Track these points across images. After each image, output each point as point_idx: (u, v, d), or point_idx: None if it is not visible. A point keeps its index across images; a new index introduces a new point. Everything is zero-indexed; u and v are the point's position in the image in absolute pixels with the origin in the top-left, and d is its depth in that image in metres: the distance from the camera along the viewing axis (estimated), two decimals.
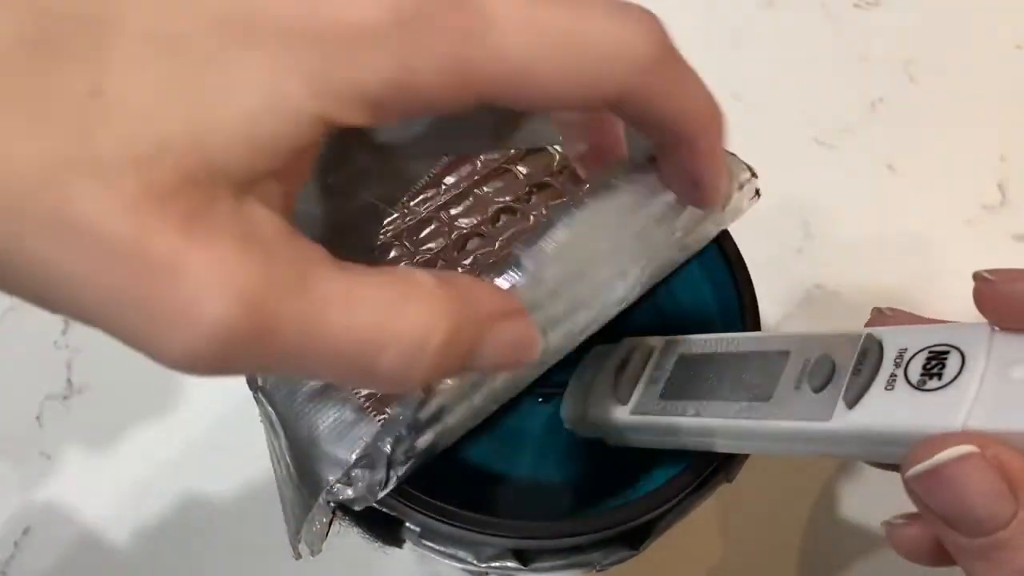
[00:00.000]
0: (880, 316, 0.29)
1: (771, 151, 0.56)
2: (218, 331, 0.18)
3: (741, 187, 0.34)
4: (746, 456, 0.33)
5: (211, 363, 0.19)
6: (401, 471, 0.28)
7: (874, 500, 0.46)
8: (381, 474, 0.28)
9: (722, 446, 0.29)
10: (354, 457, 0.28)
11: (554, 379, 0.32)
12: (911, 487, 0.25)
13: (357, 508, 0.28)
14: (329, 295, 0.20)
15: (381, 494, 0.28)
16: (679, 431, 0.30)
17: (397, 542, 0.31)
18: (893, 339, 0.26)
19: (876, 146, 0.57)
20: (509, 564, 0.31)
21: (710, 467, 0.31)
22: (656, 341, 0.33)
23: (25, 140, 0.18)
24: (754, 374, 0.29)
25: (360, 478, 0.28)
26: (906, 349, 0.25)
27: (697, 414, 0.29)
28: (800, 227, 0.54)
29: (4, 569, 0.43)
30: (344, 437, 0.28)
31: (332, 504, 0.28)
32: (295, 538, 0.30)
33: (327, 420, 0.28)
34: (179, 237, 0.18)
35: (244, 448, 0.45)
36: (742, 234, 0.35)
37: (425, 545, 0.31)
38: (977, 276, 0.26)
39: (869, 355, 0.26)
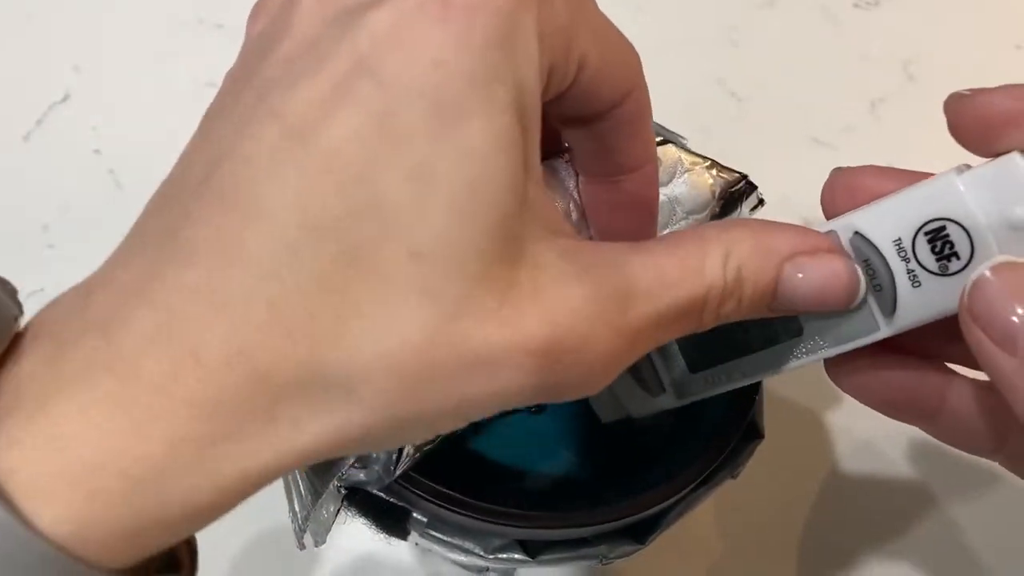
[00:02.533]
0: (839, 175, 0.28)
1: (771, 151, 0.56)
2: (611, 363, 0.22)
3: (744, 197, 0.34)
4: (751, 453, 0.33)
5: (612, 376, 0.23)
6: (412, 447, 0.28)
7: (874, 500, 0.46)
8: (395, 451, 0.28)
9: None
10: None
11: None
12: (965, 319, 0.24)
13: (372, 489, 0.28)
14: (650, 285, 0.23)
15: (397, 472, 0.28)
16: (733, 387, 0.30)
17: (402, 533, 0.31)
18: (878, 232, 0.25)
19: (876, 146, 0.57)
20: (516, 556, 0.31)
21: (715, 463, 0.31)
22: None
23: (396, 325, 0.19)
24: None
25: (376, 459, 0.28)
26: (900, 239, 0.25)
27: (744, 375, 0.29)
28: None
29: None
30: None
31: (343, 490, 0.28)
32: (301, 527, 0.30)
33: None
34: (540, 313, 0.21)
35: None
36: None
37: (431, 536, 0.31)
38: (952, 97, 0.25)
39: (873, 263, 0.25)
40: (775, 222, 0.26)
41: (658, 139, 0.33)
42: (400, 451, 0.28)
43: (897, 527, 0.45)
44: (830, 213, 0.27)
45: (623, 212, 0.29)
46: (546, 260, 0.21)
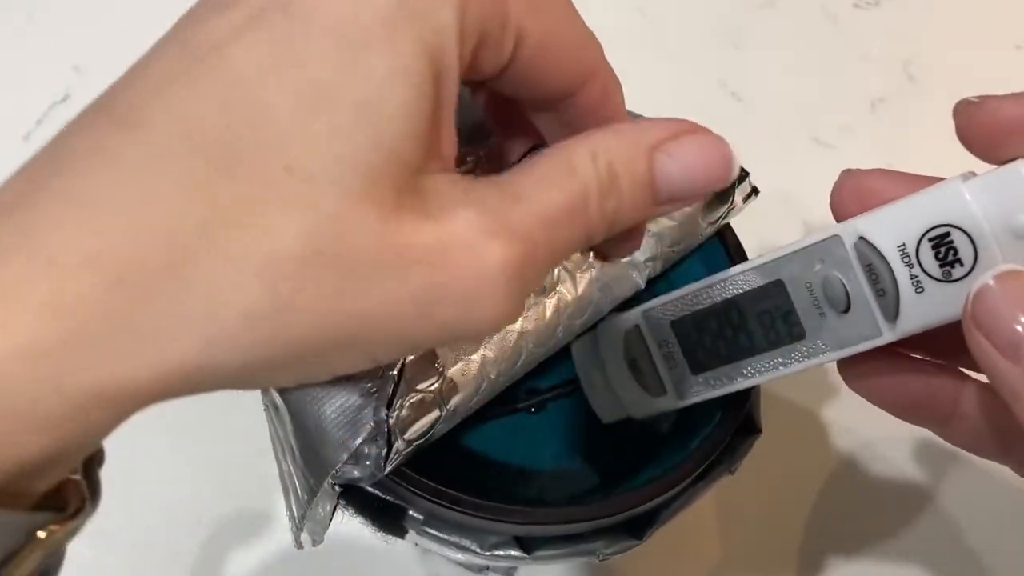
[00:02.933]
0: (848, 178, 0.28)
1: (771, 151, 0.56)
2: (510, 271, 0.21)
3: (742, 190, 0.34)
4: (749, 448, 0.33)
5: (519, 300, 0.22)
6: (403, 442, 0.28)
7: (872, 496, 0.46)
8: (384, 447, 0.28)
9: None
10: (360, 441, 0.28)
11: (541, 387, 0.32)
12: (969, 326, 0.24)
13: (365, 485, 0.28)
14: (531, 191, 0.23)
15: (388, 467, 0.28)
16: (734, 389, 0.30)
17: (399, 531, 0.31)
18: (882, 237, 0.25)
19: (876, 146, 0.57)
20: (512, 552, 0.31)
21: (712, 458, 0.31)
22: (633, 318, 0.32)
23: (271, 235, 0.19)
24: (766, 316, 0.29)
25: (367, 455, 0.28)
26: (904, 244, 0.25)
27: (746, 377, 0.30)
28: (800, 226, 0.54)
29: None
30: (351, 422, 0.28)
31: (338, 488, 0.28)
32: (298, 527, 0.30)
33: (334, 405, 0.28)
34: (428, 229, 0.21)
35: (246, 438, 0.45)
36: (741, 233, 0.35)
37: (428, 533, 0.31)
38: (961, 103, 0.25)
39: (877, 268, 0.26)
40: (641, 120, 0.26)
41: None
42: (389, 447, 0.28)
43: (894, 523, 0.45)
44: (838, 214, 0.27)
45: None
46: (437, 189, 0.21)
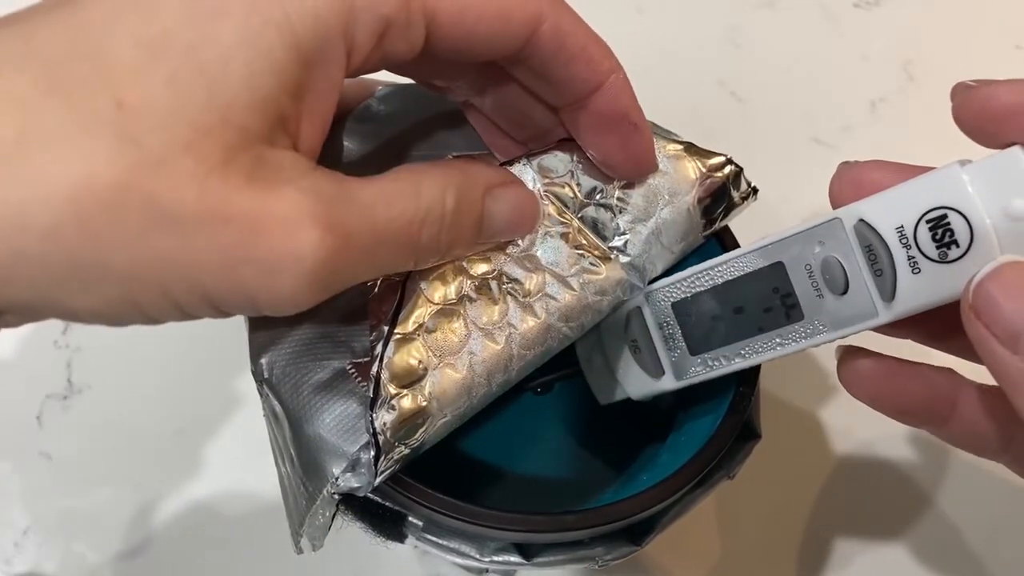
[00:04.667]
0: (847, 169, 0.29)
1: (771, 151, 0.56)
2: (319, 256, 0.22)
3: (732, 184, 0.34)
4: (748, 454, 0.33)
5: (321, 287, 0.23)
6: (391, 444, 0.28)
7: (872, 500, 0.46)
8: (374, 447, 0.28)
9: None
10: (357, 448, 0.28)
11: (545, 370, 0.33)
12: (969, 316, 0.25)
13: (362, 494, 0.28)
14: (370, 199, 0.24)
15: (381, 472, 0.28)
16: (731, 370, 0.31)
17: (399, 536, 0.31)
18: (882, 219, 0.26)
19: (876, 146, 0.57)
20: (512, 558, 0.31)
21: (712, 464, 0.31)
22: (635, 299, 0.33)
23: (89, 160, 0.20)
24: (766, 298, 0.29)
25: (363, 462, 0.28)
26: (902, 226, 0.26)
27: (744, 358, 0.30)
28: None
29: (4, 570, 0.42)
30: (350, 430, 0.28)
31: (337, 496, 0.28)
32: (297, 532, 0.30)
33: (333, 413, 0.28)
34: (251, 193, 0.21)
35: (245, 444, 0.45)
36: (742, 233, 0.35)
37: (427, 539, 0.31)
38: (959, 86, 0.26)
39: (876, 249, 0.26)
40: (476, 160, 0.30)
41: None
42: (377, 447, 0.28)
43: (895, 528, 0.45)
44: (836, 205, 0.28)
45: (605, 132, 0.30)
46: (278, 163, 0.22)
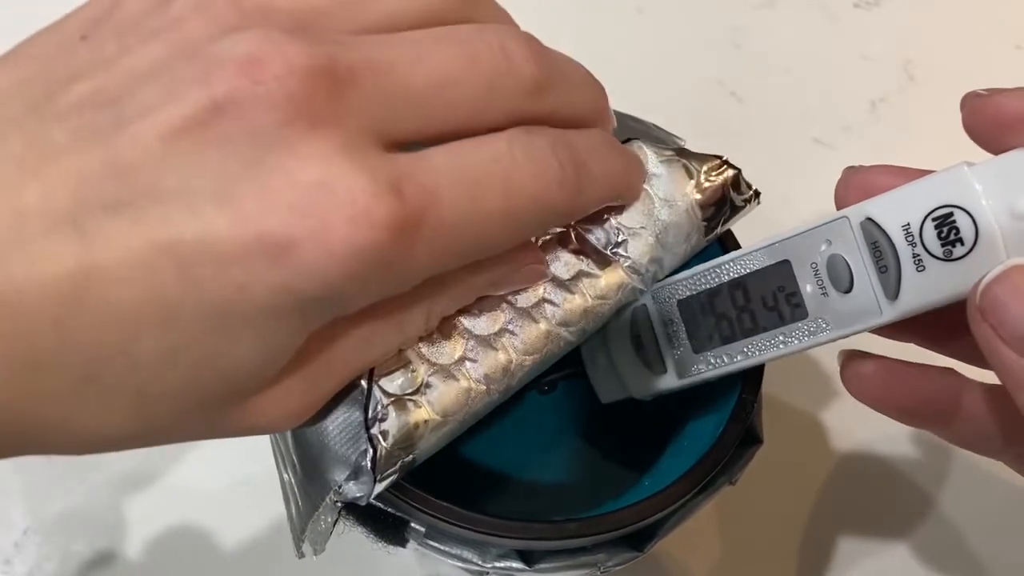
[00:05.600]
0: (854, 174, 0.29)
1: (771, 151, 0.56)
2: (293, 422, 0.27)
3: (731, 186, 0.34)
4: (750, 459, 0.33)
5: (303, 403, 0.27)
6: (388, 449, 0.28)
7: (875, 504, 0.46)
8: (370, 451, 0.28)
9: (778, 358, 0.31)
10: (358, 455, 0.28)
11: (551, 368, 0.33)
12: (976, 318, 0.25)
13: (362, 503, 0.28)
14: (329, 384, 0.27)
15: (379, 478, 0.28)
16: (734, 370, 0.31)
17: (401, 541, 0.31)
18: (888, 217, 0.26)
19: (876, 146, 0.57)
20: (514, 565, 0.31)
21: (714, 470, 0.31)
22: (640, 297, 0.33)
23: (114, 431, 0.23)
24: (770, 296, 0.29)
25: (364, 469, 0.28)
26: (908, 224, 0.26)
27: (747, 356, 0.30)
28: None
29: (4, 570, 0.42)
30: (353, 437, 0.28)
31: (339, 504, 0.28)
32: (299, 538, 0.30)
33: (336, 421, 0.28)
34: (243, 419, 0.25)
35: (248, 447, 0.45)
36: (742, 233, 0.35)
37: (429, 545, 0.31)
38: (968, 96, 0.27)
39: (881, 246, 0.26)
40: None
41: (623, 140, 0.33)
42: (374, 451, 0.28)
43: (897, 532, 0.45)
44: (842, 208, 0.28)
45: None
46: (264, 397, 0.25)
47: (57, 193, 0.21)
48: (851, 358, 0.30)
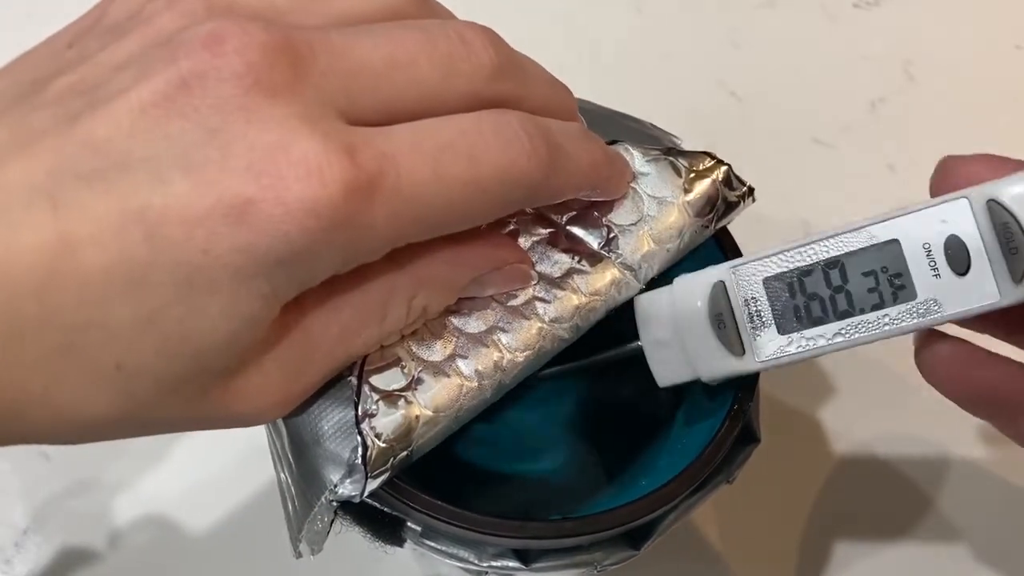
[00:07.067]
0: (958, 163, 0.29)
1: (771, 151, 0.56)
2: (278, 412, 0.28)
3: (731, 188, 0.34)
4: (747, 458, 0.33)
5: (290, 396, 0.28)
6: (379, 447, 0.28)
7: (873, 504, 0.46)
8: (361, 447, 0.28)
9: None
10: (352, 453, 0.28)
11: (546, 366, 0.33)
12: None
13: (356, 501, 0.28)
14: (313, 372, 0.28)
15: (371, 475, 0.28)
16: (822, 352, 0.30)
17: (398, 541, 0.31)
18: (1015, 199, 0.26)
19: (876, 146, 0.57)
20: (510, 564, 0.31)
21: (711, 468, 0.31)
22: (717, 273, 0.31)
23: (96, 407, 0.24)
24: (872, 277, 0.29)
25: (359, 470, 0.28)
26: None
27: (845, 340, 0.29)
28: (800, 226, 0.54)
29: (4, 570, 0.43)
30: (348, 437, 0.28)
31: (335, 504, 0.28)
32: (296, 537, 0.30)
33: (331, 420, 0.28)
34: (225, 407, 0.26)
35: (245, 447, 0.45)
36: (741, 233, 0.35)
37: (426, 544, 0.31)
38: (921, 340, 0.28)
39: (1011, 228, 0.26)
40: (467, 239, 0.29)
41: (609, 141, 0.33)
42: (364, 448, 0.28)
43: (896, 532, 0.45)
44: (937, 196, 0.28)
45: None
46: (247, 378, 0.26)
47: (35, 169, 0.22)
48: (930, 339, 0.29)
